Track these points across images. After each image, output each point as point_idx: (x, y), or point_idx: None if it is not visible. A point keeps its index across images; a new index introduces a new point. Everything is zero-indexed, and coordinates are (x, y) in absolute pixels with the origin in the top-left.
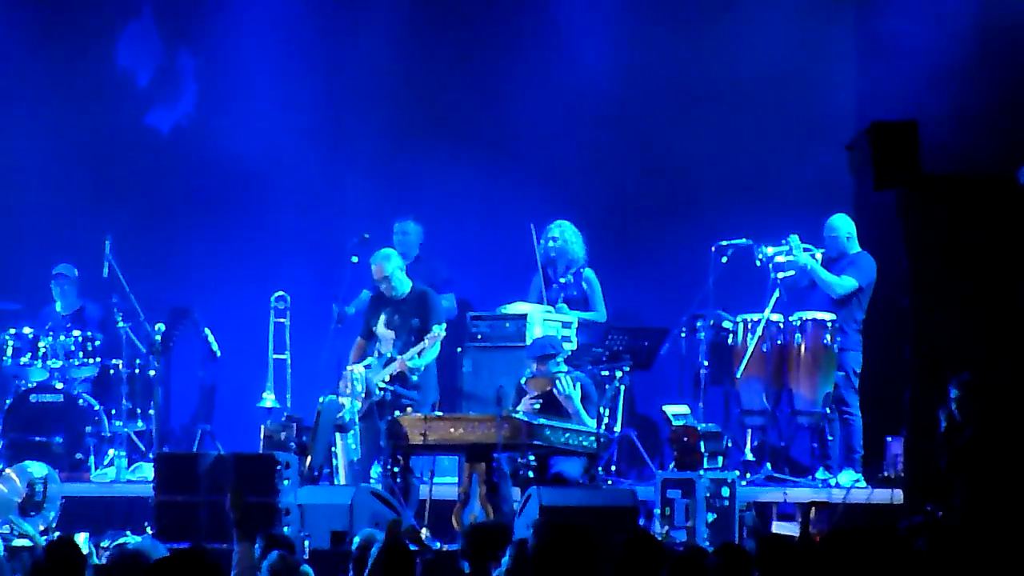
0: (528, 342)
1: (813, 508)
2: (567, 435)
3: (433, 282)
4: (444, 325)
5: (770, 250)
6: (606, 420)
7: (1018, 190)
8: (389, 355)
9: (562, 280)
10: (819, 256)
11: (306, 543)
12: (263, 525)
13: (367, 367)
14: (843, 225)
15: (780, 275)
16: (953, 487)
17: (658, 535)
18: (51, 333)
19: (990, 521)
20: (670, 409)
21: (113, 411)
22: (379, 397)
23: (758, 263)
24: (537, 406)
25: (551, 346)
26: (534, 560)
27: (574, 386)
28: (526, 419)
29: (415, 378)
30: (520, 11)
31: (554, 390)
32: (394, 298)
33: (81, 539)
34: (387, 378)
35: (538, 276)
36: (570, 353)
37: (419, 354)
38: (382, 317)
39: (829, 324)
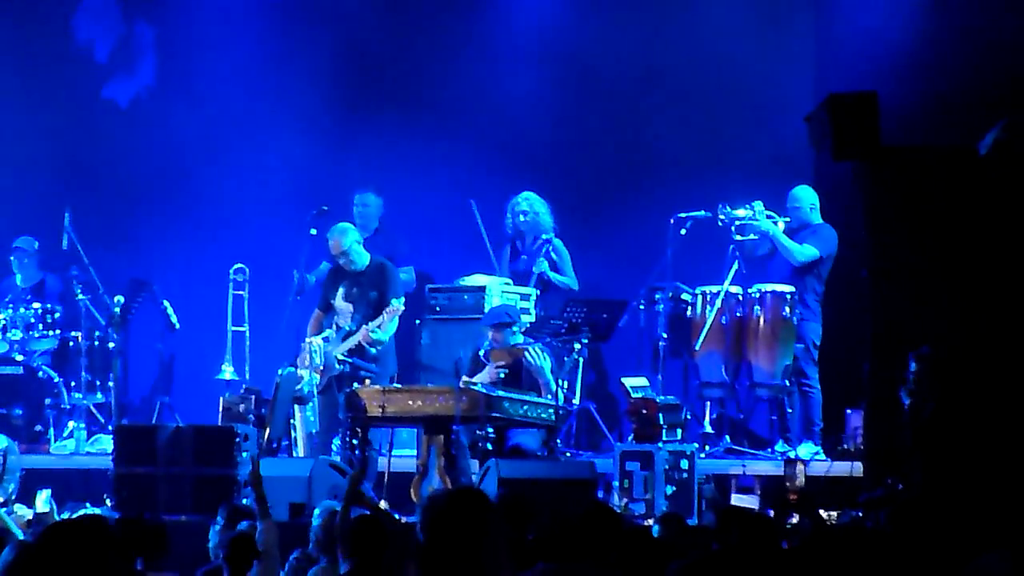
0: None
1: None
2: (525, 407)
3: (393, 254)
4: (403, 299)
5: (735, 211)
6: (565, 392)
7: (978, 161)
8: (348, 328)
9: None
10: (782, 225)
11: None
12: (223, 497)
13: (325, 340)
14: (806, 196)
15: (739, 237)
16: (913, 461)
17: (617, 507)
18: (11, 305)
19: (950, 495)
20: (629, 381)
21: (72, 383)
22: (338, 371)
23: (720, 223)
24: (502, 375)
25: (507, 314)
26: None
27: (544, 356)
28: (484, 391)
29: (374, 351)
30: None
31: (525, 361)
32: (352, 271)
33: (43, 497)
34: (346, 351)
35: (505, 249)
36: (528, 325)
37: (379, 327)
38: (340, 290)
39: (788, 296)
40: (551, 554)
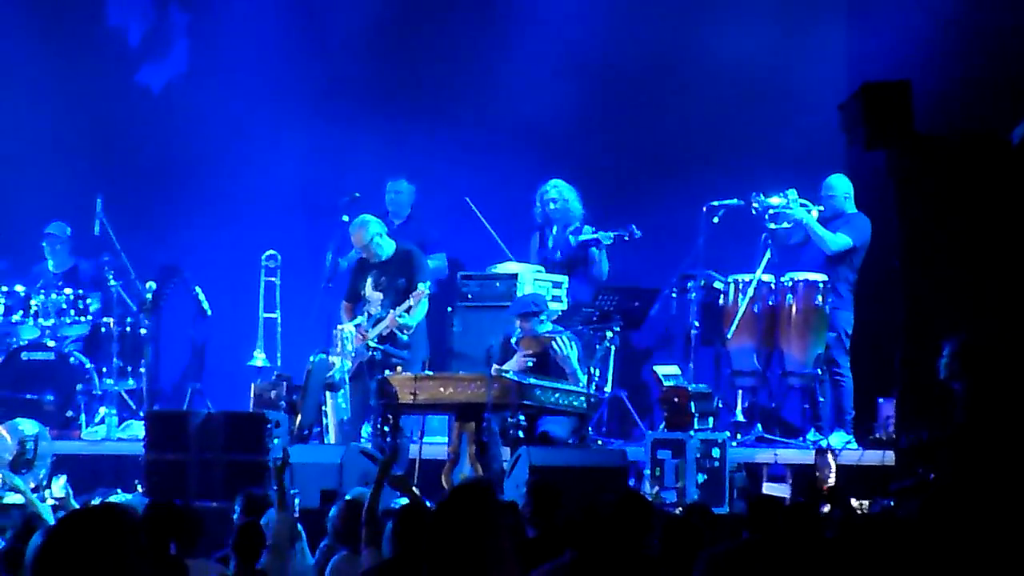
0: None
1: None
2: (557, 395)
3: (424, 241)
4: (429, 283)
5: (769, 199)
6: (596, 380)
7: (1010, 151)
8: (378, 316)
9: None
10: (815, 213)
11: (296, 501)
12: (253, 483)
13: (357, 327)
14: (841, 185)
15: (773, 226)
16: (946, 451)
17: (648, 495)
18: (43, 291)
19: (982, 486)
20: (661, 370)
21: (104, 369)
22: (368, 356)
23: (754, 211)
24: (530, 364)
25: (534, 303)
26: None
27: (571, 346)
28: (516, 379)
29: (405, 337)
30: None
31: (551, 351)
32: (378, 261)
33: (60, 483)
34: (376, 337)
35: (534, 236)
36: (558, 313)
37: (407, 312)
38: (369, 280)
39: (821, 285)
40: (581, 541)
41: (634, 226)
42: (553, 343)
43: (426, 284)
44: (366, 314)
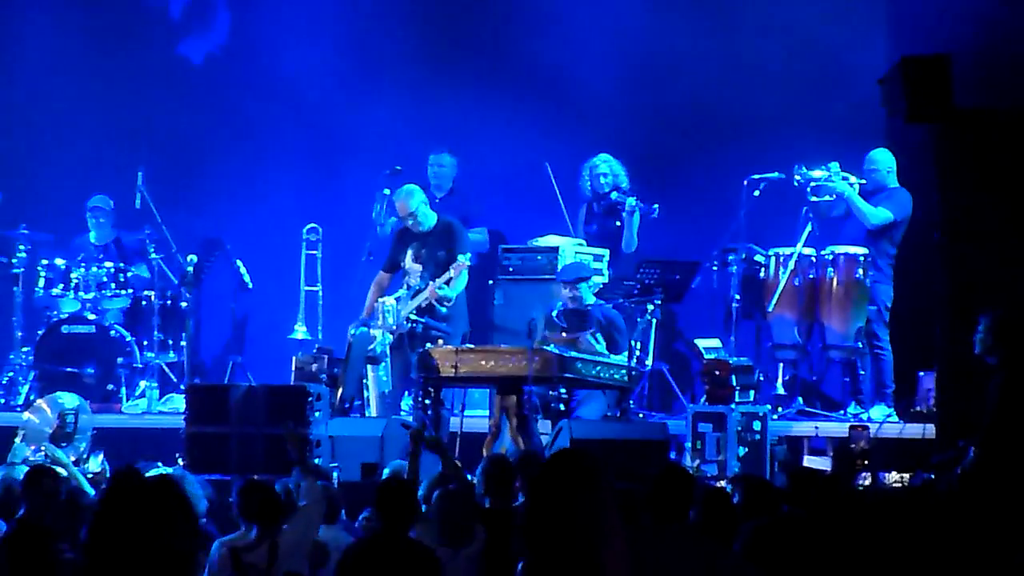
0: None
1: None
2: (598, 368)
3: (466, 215)
4: (469, 255)
5: (812, 172)
6: (638, 353)
7: None
8: (417, 288)
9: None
10: (857, 187)
11: (335, 474)
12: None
13: (398, 299)
14: (884, 159)
15: (815, 198)
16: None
17: (689, 469)
18: (83, 264)
19: (1018, 461)
20: (702, 343)
21: (145, 342)
22: (407, 328)
23: (796, 183)
24: None
25: (582, 268)
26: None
27: (598, 341)
28: (557, 352)
29: (444, 310)
30: None
31: (579, 347)
32: (420, 232)
33: (98, 459)
34: (415, 309)
35: (582, 210)
36: (600, 286)
37: (447, 283)
38: (409, 252)
39: (862, 258)
40: (623, 513)
41: (656, 206)
42: (582, 340)
43: (466, 256)
44: (405, 286)
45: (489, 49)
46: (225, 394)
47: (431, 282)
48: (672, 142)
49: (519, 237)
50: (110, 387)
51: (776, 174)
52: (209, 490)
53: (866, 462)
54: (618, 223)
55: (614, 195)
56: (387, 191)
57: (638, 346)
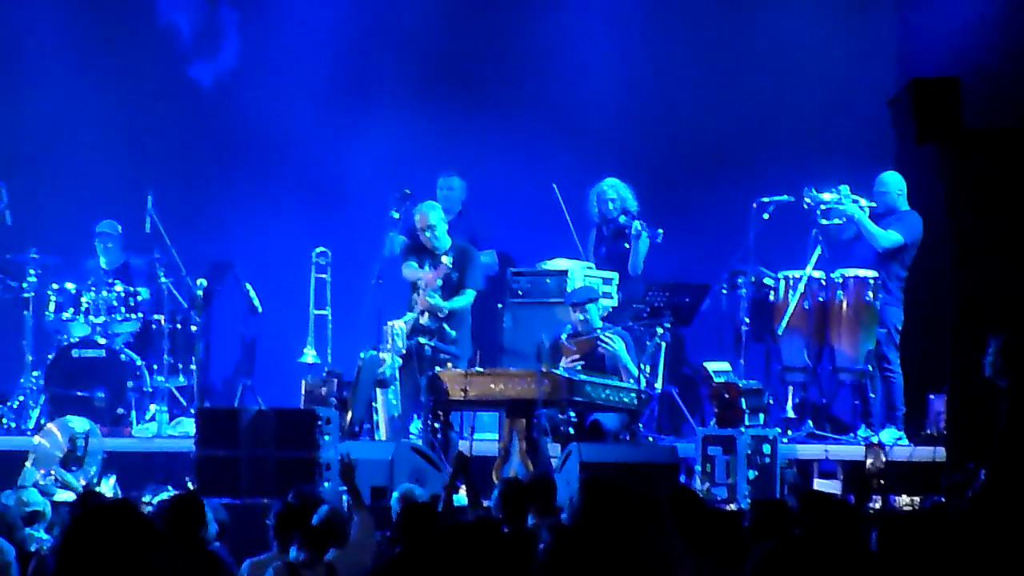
0: None
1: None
2: (608, 391)
3: (475, 237)
4: (451, 257)
5: (821, 195)
6: (647, 377)
7: None
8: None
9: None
10: (867, 210)
11: (344, 497)
12: (304, 480)
13: (407, 323)
14: (894, 182)
15: (824, 221)
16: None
17: (699, 492)
18: (93, 288)
19: None
20: (711, 366)
21: (155, 366)
22: (416, 348)
23: (805, 206)
24: (579, 368)
25: (590, 290)
26: (580, 517)
27: (614, 339)
28: (567, 375)
29: (454, 333)
30: None
31: (598, 349)
32: (432, 249)
33: (109, 483)
34: (424, 333)
35: (591, 234)
36: (609, 309)
37: (433, 290)
38: (424, 265)
39: (871, 281)
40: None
41: (660, 231)
42: (599, 341)
43: (473, 293)
44: (414, 304)
45: (497, 73)
46: (235, 417)
47: (425, 296)
48: (681, 165)
49: (527, 260)
50: (120, 411)
51: (785, 197)
52: (223, 514)
53: (882, 482)
54: (627, 245)
55: (622, 219)
56: (396, 214)
57: (647, 369)
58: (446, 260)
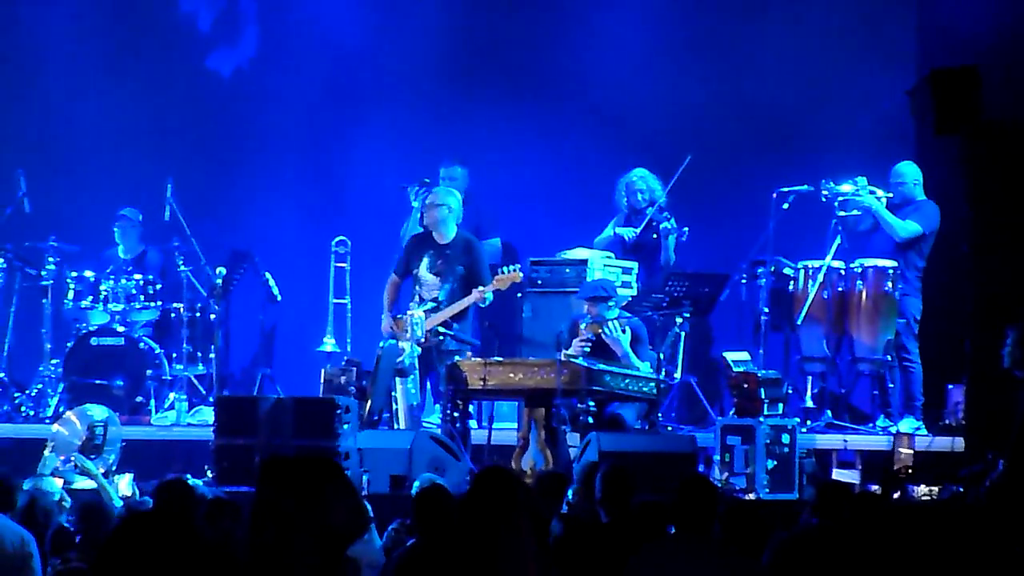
0: None
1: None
2: (627, 380)
3: (479, 225)
4: (519, 267)
5: (839, 186)
6: (666, 366)
7: None
8: (435, 299)
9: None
10: (884, 200)
11: (364, 477)
12: None
13: (426, 312)
14: (910, 172)
15: (842, 213)
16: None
17: (717, 482)
18: (112, 276)
19: None
20: (730, 355)
21: (174, 355)
22: (435, 342)
23: (823, 198)
24: (587, 349)
25: (603, 288)
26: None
27: (623, 330)
28: (586, 364)
29: (456, 325)
30: None
31: (602, 334)
32: (438, 241)
33: (126, 481)
34: (441, 326)
35: (618, 218)
36: (627, 299)
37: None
38: (425, 260)
39: (890, 271)
40: (651, 526)
41: (686, 229)
42: (604, 327)
43: (517, 267)
44: (417, 297)
45: (516, 61)
46: (254, 406)
47: (478, 288)
48: (700, 155)
49: (539, 249)
50: (139, 399)
51: (805, 187)
52: None
53: (910, 471)
54: (654, 236)
55: (649, 211)
56: (415, 203)
57: (666, 359)
58: (516, 269)
